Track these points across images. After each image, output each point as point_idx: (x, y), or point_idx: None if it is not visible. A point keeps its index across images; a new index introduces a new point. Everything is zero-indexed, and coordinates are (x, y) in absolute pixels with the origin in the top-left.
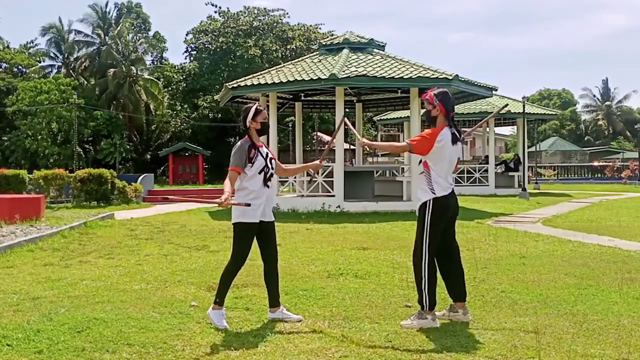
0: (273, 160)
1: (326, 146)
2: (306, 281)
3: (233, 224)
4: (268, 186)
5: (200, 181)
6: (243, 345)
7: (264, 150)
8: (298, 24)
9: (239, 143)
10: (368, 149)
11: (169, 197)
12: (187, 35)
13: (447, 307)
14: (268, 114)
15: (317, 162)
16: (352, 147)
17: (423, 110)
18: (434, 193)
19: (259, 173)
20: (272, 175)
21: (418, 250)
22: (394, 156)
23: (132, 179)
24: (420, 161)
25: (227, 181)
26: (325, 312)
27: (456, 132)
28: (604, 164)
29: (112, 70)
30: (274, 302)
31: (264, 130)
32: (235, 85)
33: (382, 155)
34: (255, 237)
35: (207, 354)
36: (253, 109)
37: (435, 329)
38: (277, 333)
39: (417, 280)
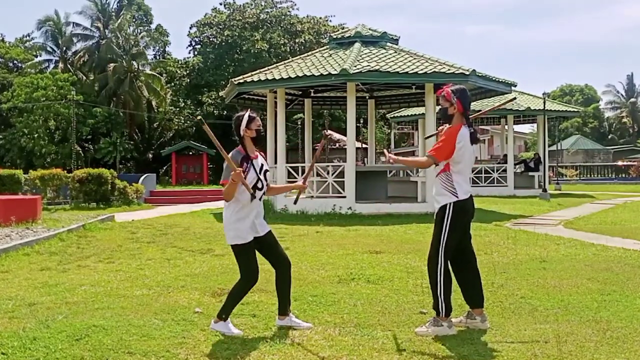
0: (268, 173)
1: (309, 166)
2: (316, 286)
3: (231, 245)
4: (261, 200)
5: (205, 181)
6: (250, 353)
7: (258, 162)
8: (307, 17)
9: (230, 154)
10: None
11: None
12: (190, 28)
13: (464, 313)
14: (275, 111)
15: (301, 183)
16: (364, 146)
17: (438, 108)
18: (456, 196)
19: (254, 187)
20: (264, 189)
21: (434, 255)
22: (408, 155)
23: (133, 179)
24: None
25: (229, 197)
26: (336, 319)
27: (474, 132)
28: (629, 163)
29: (112, 65)
30: (284, 309)
31: (258, 138)
32: (241, 80)
33: (396, 154)
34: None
35: None
36: (246, 116)
37: (451, 337)
38: (285, 341)
39: (433, 285)
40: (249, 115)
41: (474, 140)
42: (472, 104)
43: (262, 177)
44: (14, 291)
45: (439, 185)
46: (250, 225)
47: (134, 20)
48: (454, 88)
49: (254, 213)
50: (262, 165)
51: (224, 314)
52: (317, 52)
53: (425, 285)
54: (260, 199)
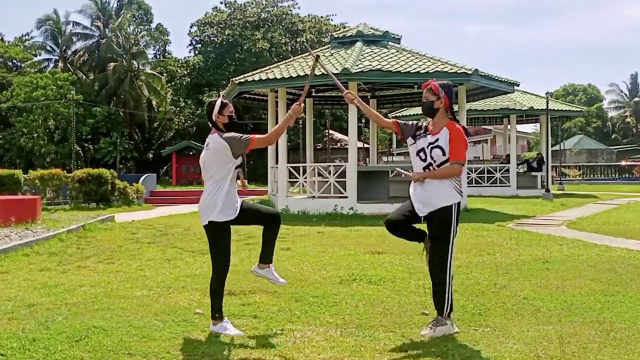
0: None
1: (304, 89)
2: (317, 287)
3: (209, 222)
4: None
5: None
6: (251, 355)
7: None
8: (308, 16)
9: (212, 136)
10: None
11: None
12: (191, 27)
13: (432, 321)
14: (277, 111)
15: (296, 105)
16: (365, 146)
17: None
18: (461, 195)
19: (236, 168)
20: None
21: (445, 256)
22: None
23: (134, 179)
24: (446, 162)
25: (274, 131)
26: (338, 320)
27: (466, 130)
28: (632, 163)
29: (112, 64)
30: (268, 258)
31: (231, 125)
32: (242, 80)
33: (398, 154)
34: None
35: None
36: (219, 102)
37: (453, 339)
38: (286, 342)
39: (441, 286)
40: (222, 102)
41: (467, 135)
42: (474, 103)
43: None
44: (14, 292)
45: (447, 185)
46: (232, 203)
47: (134, 19)
48: (441, 82)
49: (235, 193)
50: None
51: (216, 313)
52: (318, 51)
53: (427, 287)
54: (236, 179)
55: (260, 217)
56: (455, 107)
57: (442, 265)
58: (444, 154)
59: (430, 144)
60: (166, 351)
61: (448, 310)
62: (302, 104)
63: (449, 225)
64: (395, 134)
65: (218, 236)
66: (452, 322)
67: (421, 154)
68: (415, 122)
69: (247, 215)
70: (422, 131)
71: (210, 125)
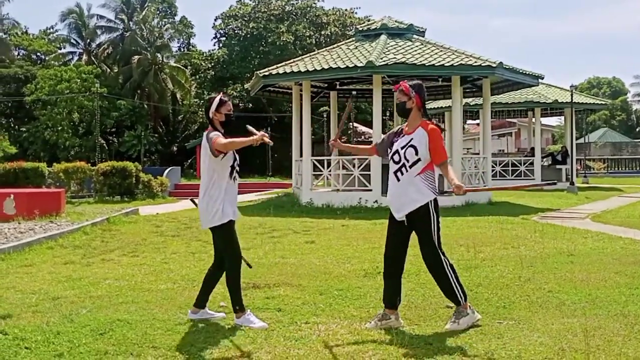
0: (237, 155)
1: (339, 128)
2: (342, 280)
3: (217, 226)
4: (236, 183)
5: None
6: (275, 348)
7: None
8: (333, 9)
9: (209, 131)
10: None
11: None
12: (215, 20)
13: (377, 316)
14: (301, 104)
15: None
16: None
17: (397, 102)
18: (435, 193)
19: (232, 167)
20: (237, 170)
21: (433, 252)
22: None
23: (158, 173)
24: (418, 161)
25: (230, 143)
26: (362, 314)
27: (439, 127)
28: None
29: (136, 57)
30: (201, 303)
31: (228, 122)
32: (266, 73)
33: None
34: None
35: (237, 357)
36: (217, 99)
37: (478, 331)
38: (311, 335)
39: (444, 279)
40: (220, 99)
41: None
42: (499, 96)
43: (236, 156)
44: (38, 285)
45: (421, 185)
46: (231, 204)
47: (158, 12)
48: (411, 83)
49: (234, 195)
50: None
51: (237, 306)
52: (342, 44)
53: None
54: (236, 184)
55: (230, 246)
56: (480, 100)
57: (435, 260)
58: (416, 153)
59: (405, 144)
60: (190, 344)
61: (462, 298)
62: (270, 142)
63: (429, 221)
64: (381, 156)
65: (224, 236)
66: (472, 309)
67: (395, 156)
68: (388, 133)
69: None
70: (397, 136)
71: (208, 122)
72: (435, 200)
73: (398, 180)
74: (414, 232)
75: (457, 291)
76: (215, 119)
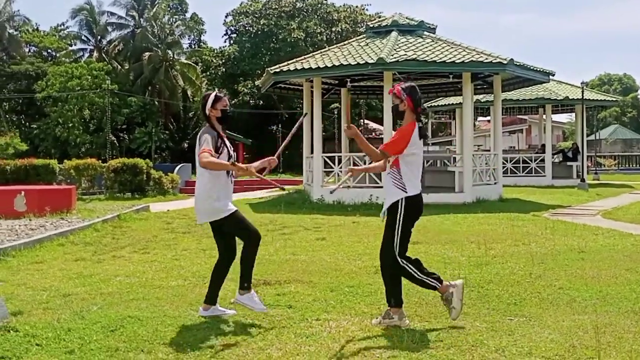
0: (235, 153)
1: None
2: (353, 277)
3: (226, 217)
4: (232, 180)
5: None
6: (286, 345)
7: (226, 141)
8: (344, 5)
9: (204, 130)
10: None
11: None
12: (226, 17)
13: (382, 313)
14: (312, 101)
15: (273, 157)
16: None
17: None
18: (405, 191)
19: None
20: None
21: (388, 248)
22: (445, 145)
23: (169, 169)
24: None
25: (212, 163)
26: (373, 310)
27: (422, 127)
28: None
29: (147, 54)
30: (213, 299)
31: (225, 119)
32: (277, 70)
33: (434, 144)
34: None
35: (248, 354)
36: (212, 96)
37: (489, 328)
38: (322, 332)
39: (384, 272)
40: (216, 95)
41: (421, 135)
42: (509, 93)
43: (232, 153)
44: (49, 282)
45: (390, 183)
46: (227, 199)
47: (169, 8)
48: (404, 85)
49: (230, 191)
50: (230, 145)
51: (246, 283)
52: (353, 41)
53: (462, 276)
54: (231, 180)
55: (227, 239)
56: (491, 97)
57: (385, 251)
58: None
59: None
60: (201, 341)
61: (393, 303)
62: (249, 168)
63: (394, 217)
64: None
65: (235, 223)
66: (400, 315)
67: None
68: None
69: (233, 223)
70: None
71: (204, 118)
72: (406, 199)
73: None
74: (414, 229)
75: (387, 292)
76: (211, 115)
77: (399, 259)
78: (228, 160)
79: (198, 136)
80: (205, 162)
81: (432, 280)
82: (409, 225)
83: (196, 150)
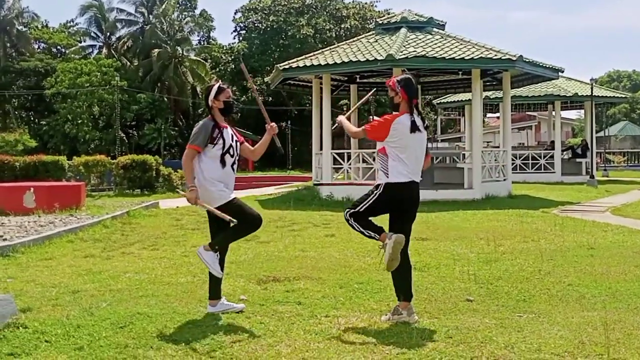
0: (239, 143)
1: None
2: (362, 274)
3: (221, 206)
4: (233, 169)
5: (250, 167)
6: (295, 341)
7: (228, 132)
8: (353, 2)
9: (202, 122)
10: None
11: None
12: (235, 13)
13: (391, 310)
14: (321, 97)
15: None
16: None
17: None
18: (387, 177)
19: (225, 154)
20: (237, 157)
21: (350, 206)
22: (454, 142)
23: (178, 166)
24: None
25: (187, 164)
26: (382, 307)
27: (416, 120)
28: None
29: (156, 50)
30: (215, 294)
31: (228, 109)
32: (286, 66)
33: (442, 140)
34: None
35: (257, 351)
36: (215, 87)
37: (498, 325)
38: (331, 328)
39: (350, 215)
40: (219, 87)
41: (413, 128)
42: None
43: (234, 144)
44: (58, 278)
45: (378, 165)
46: (223, 187)
47: (178, 5)
48: (399, 78)
49: (227, 181)
50: (232, 135)
51: (216, 246)
52: (362, 37)
53: (472, 273)
54: (233, 170)
55: (241, 216)
56: (500, 93)
57: (352, 206)
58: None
59: None
60: (211, 338)
61: (402, 298)
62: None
63: (373, 191)
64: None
65: (231, 208)
66: (409, 311)
67: None
68: None
69: (230, 210)
70: None
71: (207, 109)
72: (387, 185)
73: None
74: (408, 230)
75: (400, 290)
76: (214, 107)
77: (349, 218)
78: (223, 150)
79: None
80: (184, 159)
81: (371, 232)
82: (379, 205)
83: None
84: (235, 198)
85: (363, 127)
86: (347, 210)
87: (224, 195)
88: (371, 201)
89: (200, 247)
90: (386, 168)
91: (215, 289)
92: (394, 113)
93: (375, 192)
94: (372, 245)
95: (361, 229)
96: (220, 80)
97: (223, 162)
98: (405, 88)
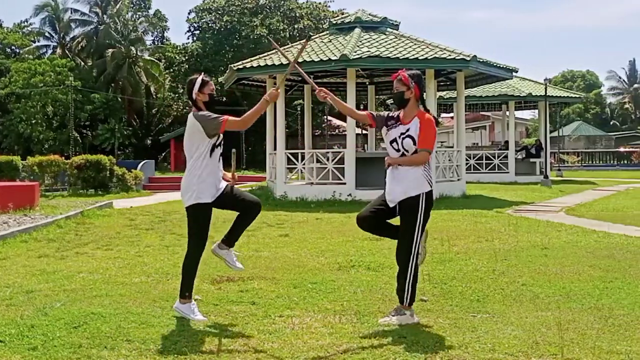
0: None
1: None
2: (316, 274)
3: (188, 207)
4: (219, 161)
5: None
6: (249, 341)
7: None
8: (306, 2)
9: (196, 112)
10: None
11: None
12: (189, 13)
13: (391, 312)
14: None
15: (273, 90)
16: (364, 132)
17: (395, 91)
18: (430, 185)
19: (216, 147)
20: (222, 149)
21: (408, 245)
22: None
23: (132, 166)
24: (416, 151)
25: (247, 114)
26: (336, 307)
27: (435, 118)
28: (631, 149)
29: (110, 50)
30: (232, 241)
31: (212, 103)
32: (240, 66)
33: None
34: (222, 207)
35: (211, 351)
36: (199, 80)
37: (452, 324)
38: (285, 329)
39: (402, 274)
40: (202, 79)
41: (437, 124)
42: (473, 89)
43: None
44: (12, 278)
45: (418, 175)
46: (212, 185)
47: (132, 5)
48: (410, 72)
49: (217, 175)
50: None
51: (186, 292)
52: (316, 37)
53: (426, 273)
54: (219, 160)
55: (241, 204)
56: (454, 94)
57: (406, 253)
58: (414, 143)
59: (402, 133)
60: (164, 337)
61: (408, 300)
62: (279, 90)
63: (415, 214)
64: (370, 125)
65: (196, 218)
66: (412, 312)
67: (394, 144)
68: (387, 112)
69: (229, 200)
70: (394, 121)
71: (191, 103)
72: (427, 193)
73: (396, 168)
74: (401, 222)
75: (406, 292)
76: (198, 100)
77: (413, 254)
78: (215, 142)
79: (193, 118)
80: (243, 120)
81: (410, 295)
82: (428, 218)
83: (189, 131)
84: (209, 204)
85: (419, 150)
86: (406, 249)
87: (201, 196)
88: (423, 218)
89: (178, 302)
90: (429, 176)
91: (187, 287)
92: (404, 110)
93: (420, 206)
94: (326, 245)
95: (410, 278)
96: (203, 73)
97: (211, 154)
98: (418, 84)
